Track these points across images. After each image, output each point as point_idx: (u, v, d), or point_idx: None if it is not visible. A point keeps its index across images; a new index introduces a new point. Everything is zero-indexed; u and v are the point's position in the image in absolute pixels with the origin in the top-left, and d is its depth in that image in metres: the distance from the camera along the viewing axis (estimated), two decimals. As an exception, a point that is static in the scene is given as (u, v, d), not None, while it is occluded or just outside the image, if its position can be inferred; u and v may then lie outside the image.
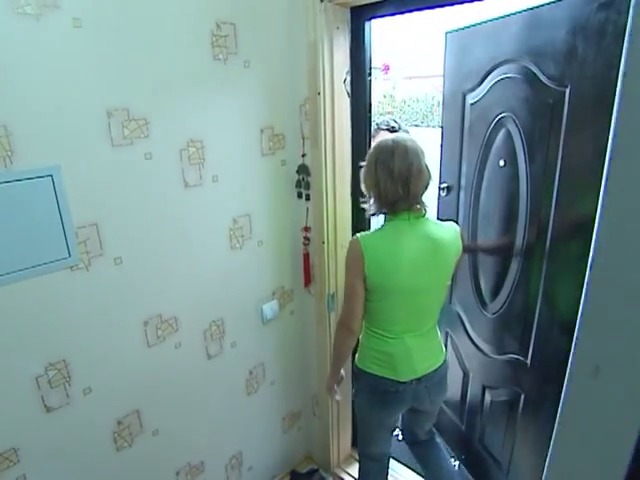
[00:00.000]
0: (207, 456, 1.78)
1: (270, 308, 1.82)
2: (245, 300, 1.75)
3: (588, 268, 0.46)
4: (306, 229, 1.80)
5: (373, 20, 1.60)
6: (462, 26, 1.79)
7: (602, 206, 0.50)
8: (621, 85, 0.49)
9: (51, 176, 1.18)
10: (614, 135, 0.50)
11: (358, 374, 1.55)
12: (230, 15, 1.45)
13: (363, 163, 1.42)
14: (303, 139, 1.72)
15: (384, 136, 2.12)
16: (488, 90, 1.66)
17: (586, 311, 0.48)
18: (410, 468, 2.21)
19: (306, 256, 1.83)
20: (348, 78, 1.67)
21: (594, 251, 0.46)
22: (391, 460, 1.85)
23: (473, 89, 1.75)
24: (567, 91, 1.30)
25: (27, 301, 1.19)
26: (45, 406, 1.28)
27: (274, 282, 1.84)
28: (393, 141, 1.36)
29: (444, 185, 2.01)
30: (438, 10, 1.42)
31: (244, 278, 1.72)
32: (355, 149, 1.76)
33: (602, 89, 1.20)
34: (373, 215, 1.48)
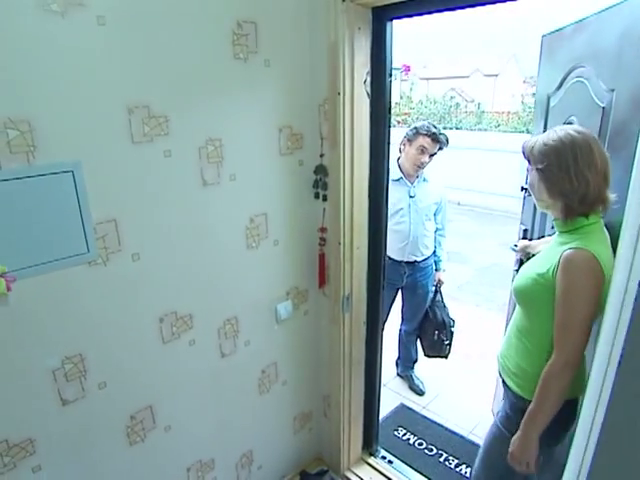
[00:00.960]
0: (218, 453, 1.78)
1: (284, 308, 1.82)
2: (259, 299, 1.75)
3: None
4: (322, 230, 1.80)
5: (394, 21, 1.59)
6: (554, 29, 1.83)
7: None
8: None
9: (72, 172, 1.20)
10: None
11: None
12: (251, 14, 1.45)
13: (540, 166, 1.23)
14: (322, 139, 1.71)
15: (423, 142, 2.43)
16: (564, 93, 1.69)
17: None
18: (421, 473, 2.19)
19: (322, 257, 1.83)
20: (368, 79, 1.66)
21: None
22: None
23: (554, 92, 1.79)
24: (614, 95, 1.29)
25: (46, 295, 1.21)
26: (61, 399, 1.29)
27: (289, 282, 1.83)
28: (581, 133, 1.18)
29: (525, 186, 2.01)
30: (461, 11, 1.40)
31: (259, 277, 1.72)
32: (374, 150, 1.75)
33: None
34: (566, 220, 1.25)
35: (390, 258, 2.51)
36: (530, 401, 1.25)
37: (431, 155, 2.44)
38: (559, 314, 1.18)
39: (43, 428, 1.28)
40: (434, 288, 2.75)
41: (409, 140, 2.48)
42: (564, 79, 1.70)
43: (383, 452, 2.30)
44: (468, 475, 2.22)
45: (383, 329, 2.70)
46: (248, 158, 1.56)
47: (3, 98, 1.05)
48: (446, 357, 2.77)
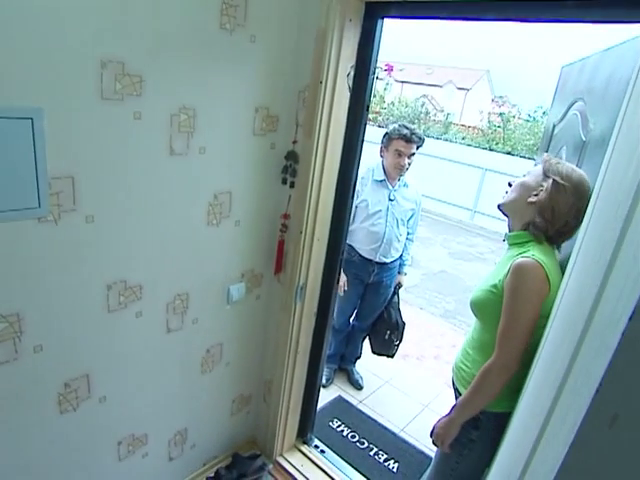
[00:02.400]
0: (151, 429, 1.74)
1: (237, 290, 1.80)
2: (213, 278, 1.72)
3: (627, 318, 0.46)
4: (285, 216, 1.78)
5: (386, 19, 1.59)
6: (571, 62, 1.88)
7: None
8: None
9: (31, 119, 1.12)
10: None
11: (487, 419, 1.34)
12: (244, -14, 1.40)
13: (562, 181, 1.25)
14: (297, 126, 1.69)
15: (397, 145, 2.44)
16: (563, 124, 1.74)
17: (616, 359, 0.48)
18: (351, 465, 2.25)
19: (281, 243, 1.82)
20: (352, 73, 1.65)
21: (630, 319, 0.46)
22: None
23: (559, 122, 1.84)
24: (594, 132, 1.35)
25: (-13, 247, 1.13)
26: (-11, 358, 1.22)
27: (245, 264, 1.81)
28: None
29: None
30: (452, 21, 1.42)
31: (216, 256, 1.69)
32: (347, 145, 1.75)
33: (607, 133, 1.25)
34: (522, 232, 1.33)
35: (361, 256, 2.60)
36: (484, 411, 1.31)
37: (409, 156, 2.46)
38: (503, 318, 1.24)
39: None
40: (393, 290, 2.80)
41: (385, 146, 2.52)
42: (567, 110, 1.75)
43: (317, 441, 2.33)
44: (395, 470, 2.30)
45: (349, 324, 2.99)
46: (220, 133, 1.52)
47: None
48: (392, 356, 2.85)
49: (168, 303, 1.59)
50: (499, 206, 1.41)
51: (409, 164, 2.48)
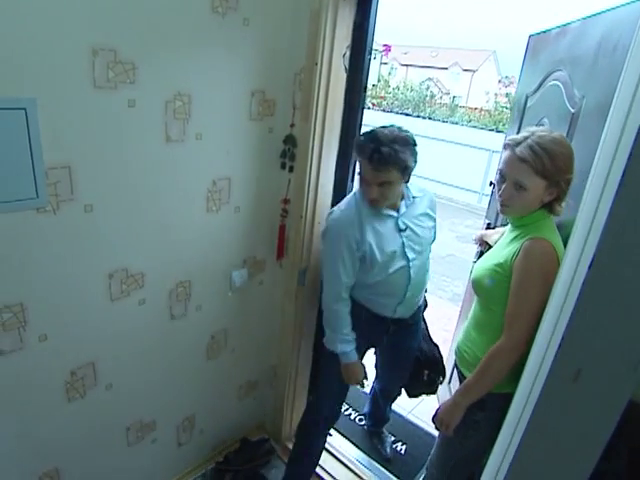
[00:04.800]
0: (160, 415, 1.77)
1: (240, 276, 1.80)
2: (215, 265, 1.73)
3: (587, 269, 0.46)
4: (285, 201, 1.78)
5: (381, -4, 1.56)
6: (542, 30, 1.83)
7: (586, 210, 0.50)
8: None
9: (24, 109, 1.12)
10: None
11: (492, 400, 1.31)
12: (234, -33, 1.38)
13: (561, 149, 1.19)
14: (294, 109, 1.68)
15: (363, 168, 1.51)
16: (540, 95, 1.70)
17: (576, 314, 0.48)
18: (358, 447, 2.26)
19: (282, 228, 1.82)
20: (348, 53, 1.63)
21: (595, 255, 0.46)
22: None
23: (533, 93, 1.80)
24: (584, 102, 1.32)
25: (-13, 238, 1.14)
26: (-4, 349, 1.24)
27: (246, 250, 1.82)
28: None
29: (493, 181, 2.03)
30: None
31: (217, 242, 1.69)
32: (345, 126, 1.74)
33: (605, 104, 1.22)
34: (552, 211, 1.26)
35: (370, 311, 1.71)
36: (490, 393, 1.29)
37: (383, 184, 1.48)
38: (513, 299, 1.23)
39: (-25, 377, 1.23)
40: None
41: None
42: (543, 81, 1.72)
43: (324, 425, 2.35)
44: (403, 452, 2.32)
45: (338, 410, 2.07)
46: (216, 119, 1.51)
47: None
48: (435, 392, 2.06)
49: (171, 290, 1.60)
50: (503, 213, 1.35)
51: (388, 196, 1.52)
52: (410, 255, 1.62)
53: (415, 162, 1.50)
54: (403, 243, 1.61)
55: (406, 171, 1.48)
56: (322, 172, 1.72)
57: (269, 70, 1.61)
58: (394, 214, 1.61)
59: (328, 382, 1.82)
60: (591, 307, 0.46)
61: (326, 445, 2.20)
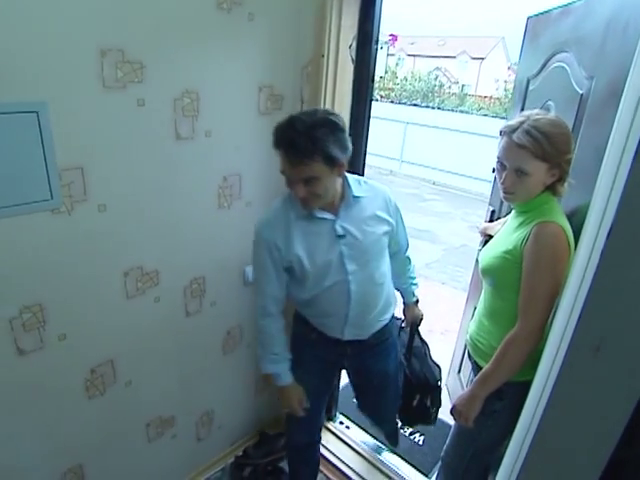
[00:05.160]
0: (178, 411, 1.79)
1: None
2: (228, 260, 1.74)
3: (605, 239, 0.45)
4: (296, 195, 1.78)
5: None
6: (541, 11, 1.80)
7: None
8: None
9: (37, 113, 1.13)
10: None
11: (510, 389, 1.29)
12: (238, -38, 1.38)
13: (559, 130, 1.17)
14: (302, 102, 1.67)
15: (281, 161, 1.25)
16: (544, 77, 1.67)
17: (595, 286, 0.47)
18: (376, 439, 2.27)
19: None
20: (354, 44, 1.62)
21: (608, 237, 0.45)
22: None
23: (535, 76, 1.76)
24: (593, 83, 1.29)
25: (5, 240, 1.16)
26: (18, 348, 1.26)
27: (259, 246, 1.82)
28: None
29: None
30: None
31: (229, 238, 1.70)
32: (354, 118, 1.73)
33: (617, 86, 1.19)
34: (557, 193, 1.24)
35: (319, 331, 1.51)
36: (507, 382, 1.27)
37: (307, 181, 1.24)
38: (526, 285, 1.21)
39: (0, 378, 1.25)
40: (408, 329, 1.80)
41: None
42: (545, 63, 1.69)
43: (341, 418, 2.36)
44: (421, 443, 2.31)
45: (315, 438, 1.87)
46: (225, 115, 1.52)
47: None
48: (432, 423, 1.84)
49: (185, 287, 1.62)
50: (507, 201, 1.34)
51: (319, 193, 1.27)
52: (350, 267, 1.37)
53: (344, 151, 1.25)
54: (341, 252, 1.36)
55: (332, 162, 1.23)
56: (332, 165, 1.71)
57: (276, 64, 1.60)
58: (330, 217, 1.35)
59: None
60: (611, 276, 0.45)
61: (343, 437, 2.22)
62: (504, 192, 1.28)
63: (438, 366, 1.79)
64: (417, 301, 1.77)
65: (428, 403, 1.75)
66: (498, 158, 1.27)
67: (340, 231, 1.36)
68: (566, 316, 0.56)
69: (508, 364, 1.24)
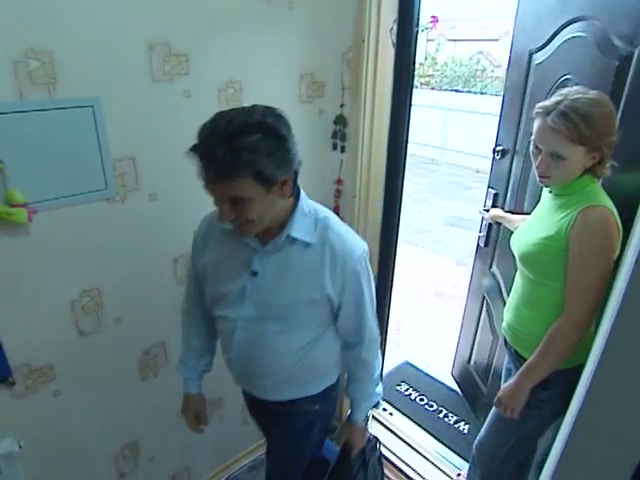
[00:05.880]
0: (225, 394, 1.84)
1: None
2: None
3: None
4: (338, 182, 1.79)
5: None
6: None
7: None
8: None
9: (92, 107, 1.20)
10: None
11: (557, 378, 1.25)
12: (278, -49, 1.39)
13: (600, 110, 1.10)
14: (343, 89, 1.68)
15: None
16: (555, 49, 1.54)
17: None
18: (420, 426, 2.26)
19: (336, 209, 1.83)
20: (395, 27, 1.60)
21: None
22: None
23: (541, 48, 1.63)
24: (636, 52, 1.21)
25: (65, 228, 1.24)
26: (79, 330, 1.35)
27: (302, 233, 1.84)
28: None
29: (499, 148, 1.89)
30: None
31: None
32: (395, 103, 1.71)
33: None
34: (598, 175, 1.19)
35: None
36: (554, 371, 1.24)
37: (235, 201, 0.94)
38: (574, 273, 1.17)
39: (62, 356, 1.34)
40: (342, 455, 1.34)
41: None
42: (556, 33, 1.53)
43: (385, 404, 2.37)
44: (466, 432, 2.29)
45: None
46: (268, 103, 1.52)
47: (24, 28, 1.04)
48: None
49: (231, 274, 1.66)
50: (543, 184, 1.27)
51: (251, 218, 0.97)
52: (245, 310, 1.09)
53: (283, 166, 0.94)
54: (244, 287, 1.08)
55: (264, 179, 0.92)
56: (374, 150, 1.71)
57: (317, 51, 1.61)
58: (254, 245, 1.07)
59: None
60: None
61: (388, 424, 2.22)
62: (540, 175, 1.22)
63: None
64: (366, 423, 1.31)
65: None
66: (533, 141, 1.21)
67: (255, 267, 1.07)
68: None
69: (555, 354, 1.21)
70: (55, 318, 1.30)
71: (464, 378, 2.43)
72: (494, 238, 1.99)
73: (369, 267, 1.12)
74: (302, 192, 1.09)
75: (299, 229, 1.04)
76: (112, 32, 1.16)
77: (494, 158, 1.95)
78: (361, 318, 1.15)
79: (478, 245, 2.13)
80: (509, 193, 1.86)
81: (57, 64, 1.10)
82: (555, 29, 1.52)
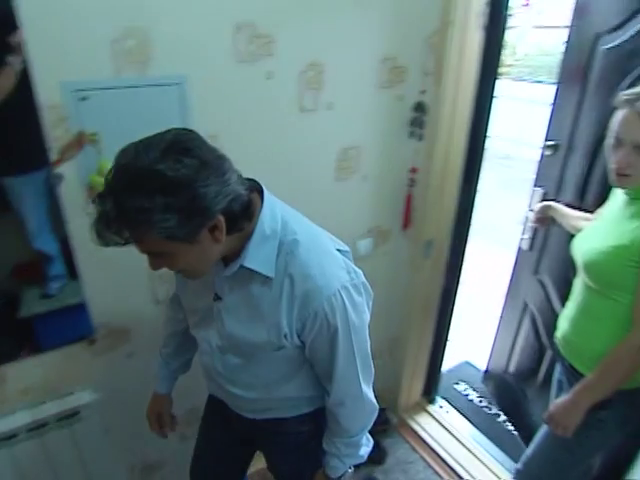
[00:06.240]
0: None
1: (364, 245, 1.81)
2: (341, 232, 1.71)
3: None
4: (413, 170, 1.74)
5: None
6: None
7: None
8: None
9: (178, 85, 1.24)
10: None
11: (619, 397, 1.16)
12: None
13: None
14: (425, 75, 1.62)
15: None
16: (635, 34, 1.37)
17: None
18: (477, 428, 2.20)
19: (408, 198, 1.78)
20: (485, 9, 1.52)
21: None
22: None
23: (611, 31, 1.45)
24: None
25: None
26: (155, 299, 1.42)
27: (373, 220, 1.82)
28: None
29: (550, 143, 1.72)
30: None
31: (344, 210, 1.72)
32: (479, 91, 1.63)
33: None
34: None
35: None
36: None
37: (157, 255, 0.82)
38: None
39: (138, 322, 1.43)
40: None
41: None
42: (632, 15, 1.35)
43: (441, 402, 2.32)
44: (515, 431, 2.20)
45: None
46: (347, 87, 1.52)
47: (123, 6, 1.09)
48: None
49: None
50: (618, 184, 1.15)
51: (181, 267, 0.86)
52: (210, 337, 1.00)
53: (191, 216, 0.74)
54: (211, 310, 0.97)
55: (174, 237, 0.75)
56: (453, 140, 1.65)
57: (400, 35, 1.56)
58: (218, 266, 0.92)
59: None
60: None
61: (442, 421, 2.19)
62: (617, 174, 1.10)
63: None
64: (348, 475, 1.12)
65: None
66: (615, 133, 1.09)
67: (218, 291, 0.95)
68: None
69: (619, 375, 1.12)
70: (135, 289, 1.38)
71: (496, 389, 2.32)
72: (540, 242, 1.83)
73: (353, 306, 0.90)
74: (265, 208, 0.89)
75: (255, 258, 0.87)
76: (204, 10, 1.19)
77: (543, 154, 1.79)
78: (333, 369, 0.93)
79: (519, 248, 1.99)
80: (562, 193, 1.69)
81: (150, 43, 1.15)
82: (634, 9, 1.35)
